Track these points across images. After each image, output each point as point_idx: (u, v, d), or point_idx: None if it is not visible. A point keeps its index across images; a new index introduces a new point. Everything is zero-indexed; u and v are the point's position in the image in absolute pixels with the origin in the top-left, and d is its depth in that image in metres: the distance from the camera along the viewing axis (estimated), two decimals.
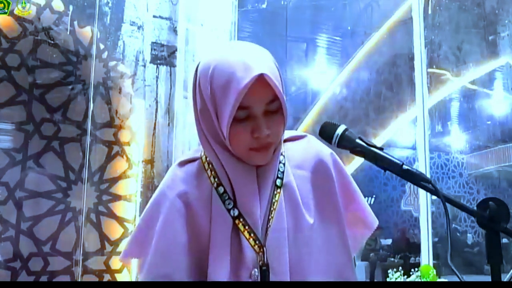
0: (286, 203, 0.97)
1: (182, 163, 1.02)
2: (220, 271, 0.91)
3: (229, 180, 0.95)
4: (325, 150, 1.06)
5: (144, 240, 0.98)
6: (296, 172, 1.02)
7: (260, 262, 0.92)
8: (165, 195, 0.97)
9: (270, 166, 0.97)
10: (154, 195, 1.00)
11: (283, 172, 0.99)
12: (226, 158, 0.95)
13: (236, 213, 0.94)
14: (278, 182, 0.98)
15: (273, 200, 0.96)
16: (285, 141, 1.04)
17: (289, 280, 0.92)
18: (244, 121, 0.91)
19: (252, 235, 0.93)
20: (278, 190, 0.97)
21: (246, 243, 0.92)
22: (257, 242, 0.93)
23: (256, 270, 0.92)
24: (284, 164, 1.01)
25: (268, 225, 0.94)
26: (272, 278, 0.92)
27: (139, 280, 0.96)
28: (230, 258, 0.92)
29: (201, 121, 0.96)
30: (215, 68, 0.91)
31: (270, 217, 0.94)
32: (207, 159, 0.99)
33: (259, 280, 0.91)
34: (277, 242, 0.94)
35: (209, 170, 0.98)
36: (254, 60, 0.89)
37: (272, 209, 0.95)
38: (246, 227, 0.93)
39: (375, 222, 1.07)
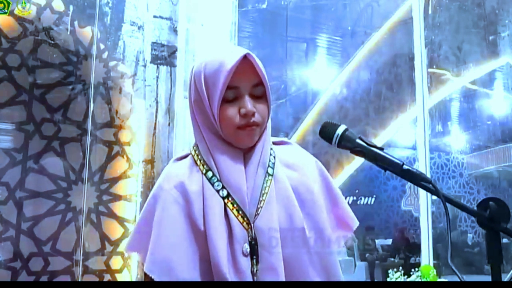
0: (276, 191, 1.04)
1: (176, 160, 1.13)
2: (219, 249, 0.97)
3: (215, 164, 1.04)
4: (311, 157, 1.15)
5: (145, 233, 1.05)
6: (284, 170, 1.09)
7: (249, 238, 1.00)
8: (162, 188, 1.05)
9: (256, 149, 1.05)
10: (152, 191, 1.09)
11: (274, 164, 1.08)
12: (215, 142, 1.05)
13: (225, 193, 1.02)
14: (270, 171, 1.06)
15: (265, 185, 1.04)
16: (273, 143, 1.14)
17: (279, 254, 1.00)
18: (232, 101, 1.02)
19: (240, 212, 1.01)
20: (270, 178, 1.05)
21: (235, 221, 1.00)
22: (245, 219, 1.01)
23: (246, 245, 0.99)
24: (274, 157, 1.09)
25: (259, 206, 1.02)
26: (261, 251, 0.99)
27: (144, 269, 1.02)
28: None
29: (195, 110, 1.08)
30: (207, 62, 1.06)
31: (260, 199, 1.02)
32: (197, 152, 1.09)
33: (249, 254, 0.99)
34: (268, 223, 1.01)
35: (199, 160, 1.07)
36: (240, 48, 1.04)
37: (263, 192, 1.03)
38: (235, 205, 1.01)
39: (356, 224, 1.16)
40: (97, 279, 3.09)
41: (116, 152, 3.28)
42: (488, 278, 0.89)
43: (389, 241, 9.30)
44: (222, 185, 1.02)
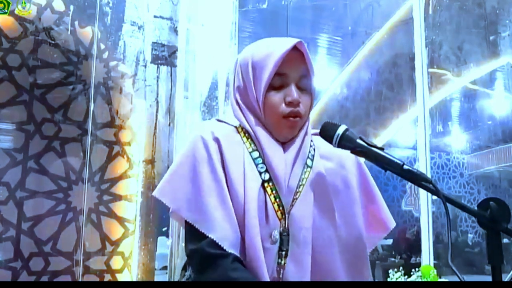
0: (314, 183, 1.03)
1: (220, 120, 1.11)
2: (254, 230, 0.95)
3: (261, 146, 1.03)
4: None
5: (183, 178, 1.01)
6: (323, 161, 1.08)
7: (281, 228, 0.98)
8: (202, 138, 1.03)
9: (295, 140, 1.05)
10: (189, 140, 1.06)
11: (313, 156, 1.07)
12: (258, 129, 1.04)
13: (267, 177, 1.00)
14: (309, 162, 1.05)
15: (302, 177, 1.03)
16: (313, 134, 1.12)
17: (309, 249, 0.98)
18: (278, 88, 1.02)
19: (277, 200, 1.00)
20: (308, 169, 1.04)
21: (270, 207, 0.99)
22: (280, 208, 0.99)
23: (276, 231, 0.98)
24: (314, 149, 1.09)
25: (296, 197, 1.00)
26: (291, 244, 0.97)
27: (184, 216, 0.98)
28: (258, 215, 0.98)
29: (239, 96, 1.07)
30: (256, 49, 1.06)
31: (297, 190, 1.01)
32: (243, 129, 1.07)
33: (278, 242, 0.97)
34: (302, 216, 0.99)
35: (244, 137, 1.06)
36: (291, 38, 1.04)
37: (300, 183, 1.02)
38: (273, 192, 1.00)
39: (392, 224, 1.14)
40: (97, 279, 3.10)
41: (117, 152, 3.28)
42: (488, 278, 0.89)
43: (390, 241, 9.29)
44: (266, 168, 1.01)
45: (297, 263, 0.98)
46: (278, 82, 1.02)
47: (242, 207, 0.97)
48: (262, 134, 1.04)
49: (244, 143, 1.05)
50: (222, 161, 1.00)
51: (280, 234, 0.98)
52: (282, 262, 0.97)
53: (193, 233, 0.97)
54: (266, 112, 1.03)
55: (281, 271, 0.97)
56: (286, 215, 0.99)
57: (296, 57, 1.02)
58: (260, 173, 1.00)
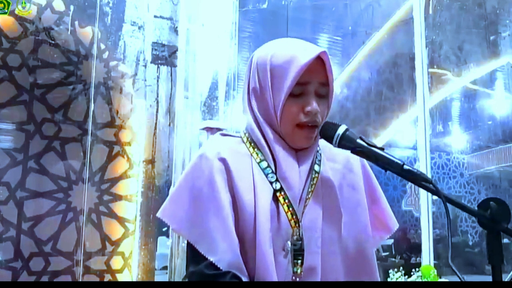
0: (322, 189, 1.03)
1: (224, 134, 1.10)
2: (265, 237, 0.95)
3: (272, 157, 1.02)
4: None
5: (186, 198, 1.01)
6: (329, 164, 1.07)
7: (295, 237, 0.98)
8: (206, 157, 1.02)
9: (309, 151, 1.04)
10: (193, 159, 1.05)
11: (320, 160, 1.07)
12: (272, 137, 1.02)
13: (278, 186, 1.00)
14: (317, 168, 1.05)
15: (311, 183, 1.02)
16: None
17: (319, 254, 0.98)
18: (298, 97, 1.00)
19: (290, 209, 0.99)
20: (316, 175, 1.04)
21: (284, 216, 0.98)
22: (293, 216, 0.99)
23: (289, 242, 0.97)
24: (320, 154, 1.08)
25: (306, 204, 1.00)
26: (306, 252, 0.97)
27: (187, 239, 0.98)
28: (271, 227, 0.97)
29: (252, 99, 1.05)
30: (275, 52, 1.02)
31: (307, 197, 1.01)
32: (249, 139, 1.06)
33: (290, 253, 0.97)
34: (313, 222, 0.99)
35: (251, 148, 1.04)
36: (312, 45, 1.03)
37: (309, 190, 1.01)
38: (286, 201, 0.99)
39: (395, 226, 1.13)
40: (97, 279, 3.10)
41: (117, 152, 3.28)
42: (488, 278, 0.89)
43: (390, 241, 9.29)
44: (276, 178, 1.00)
45: (312, 269, 0.98)
46: (298, 91, 0.99)
47: (253, 219, 0.96)
48: (277, 145, 1.02)
49: (251, 154, 1.03)
50: (229, 180, 0.99)
51: (294, 242, 0.97)
52: (299, 270, 0.97)
53: (193, 254, 0.97)
54: (283, 118, 1.01)
55: (297, 280, 0.97)
56: (300, 224, 0.98)
57: (318, 65, 0.99)
58: (271, 183, 0.99)
